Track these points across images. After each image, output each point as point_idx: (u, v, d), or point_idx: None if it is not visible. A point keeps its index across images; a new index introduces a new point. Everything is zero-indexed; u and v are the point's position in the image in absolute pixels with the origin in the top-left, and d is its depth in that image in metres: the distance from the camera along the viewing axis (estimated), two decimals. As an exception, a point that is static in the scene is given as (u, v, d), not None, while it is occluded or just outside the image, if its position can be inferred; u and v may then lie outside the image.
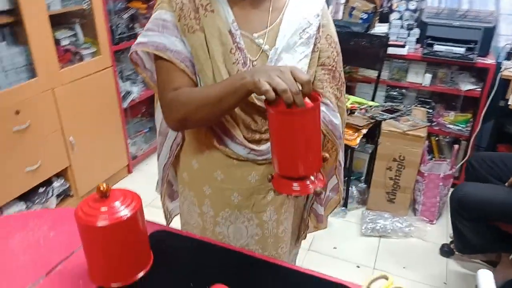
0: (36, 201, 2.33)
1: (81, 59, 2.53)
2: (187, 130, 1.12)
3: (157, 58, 0.98)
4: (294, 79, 0.77)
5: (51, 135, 2.35)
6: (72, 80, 2.41)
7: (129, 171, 3.12)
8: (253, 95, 0.97)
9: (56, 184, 2.47)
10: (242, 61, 0.97)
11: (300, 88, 0.77)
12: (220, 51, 0.96)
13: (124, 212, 0.81)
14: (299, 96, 0.75)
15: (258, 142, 1.06)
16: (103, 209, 0.80)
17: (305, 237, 1.44)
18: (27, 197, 2.31)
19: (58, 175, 2.51)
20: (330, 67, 1.08)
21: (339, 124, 1.12)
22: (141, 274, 0.88)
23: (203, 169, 1.11)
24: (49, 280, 0.88)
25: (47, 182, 2.42)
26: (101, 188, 0.81)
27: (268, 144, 1.07)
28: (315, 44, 1.04)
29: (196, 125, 1.03)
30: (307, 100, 0.79)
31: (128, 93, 2.98)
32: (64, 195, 2.55)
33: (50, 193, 2.42)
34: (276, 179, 0.89)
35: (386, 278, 0.87)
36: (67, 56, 2.46)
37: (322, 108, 1.08)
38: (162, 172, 1.22)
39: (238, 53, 0.97)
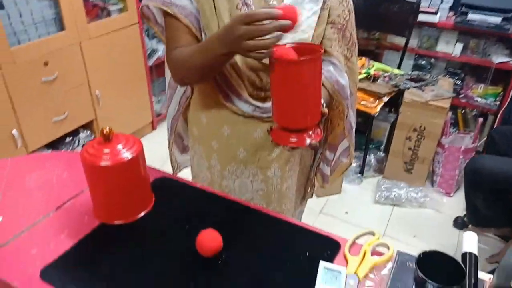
0: (63, 150, 2.45)
1: (108, 14, 2.57)
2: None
3: (165, 14, 1.00)
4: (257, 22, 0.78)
5: (78, 88, 2.43)
6: (99, 35, 2.46)
7: (153, 128, 3.21)
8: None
9: (82, 135, 2.59)
10: None
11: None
12: (227, 7, 0.97)
13: (126, 154, 0.86)
14: (273, 24, 0.77)
15: (264, 99, 1.08)
16: (106, 150, 0.86)
17: (312, 196, 1.47)
18: (54, 146, 2.43)
19: (85, 127, 2.62)
20: (340, 26, 1.07)
21: (346, 84, 1.12)
22: (141, 214, 0.94)
23: (211, 124, 1.15)
24: (58, 214, 0.95)
25: (74, 133, 2.54)
26: (104, 132, 0.86)
27: None
28: (324, 1, 1.03)
29: (197, 83, 1.07)
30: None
31: (154, 51, 3.02)
32: (89, 147, 2.67)
33: (77, 143, 2.54)
34: (275, 130, 0.91)
35: (373, 234, 0.90)
36: (95, 10, 2.50)
37: (329, 67, 1.08)
38: (171, 123, 1.26)
39: (245, 9, 0.97)
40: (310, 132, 0.89)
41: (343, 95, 1.12)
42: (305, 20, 1.01)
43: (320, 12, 1.03)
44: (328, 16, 1.05)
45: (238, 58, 1.00)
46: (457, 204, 2.51)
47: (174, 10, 0.97)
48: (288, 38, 0.98)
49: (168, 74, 1.21)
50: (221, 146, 1.16)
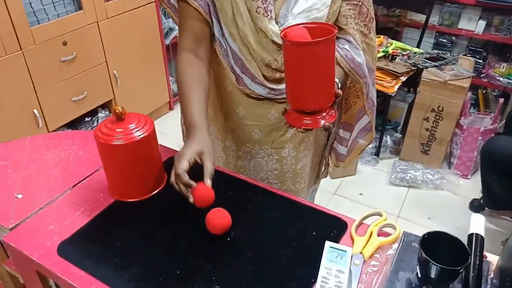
0: (83, 130, 2.51)
1: (125, -7, 2.58)
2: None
3: None
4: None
5: (96, 68, 2.47)
6: (116, 14, 2.48)
7: (170, 108, 3.24)
8: (271, 33, 0.98)
9: (101, 114, 2.64)
10: None
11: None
12: None
13: (138, 133, 0.89)
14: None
15: (279, 81, 1.08)
16: (119, 129, 0.88)
17: (326, 175, 1.48)
18: (74, 125, 2.49)
19: (103, 107, 2.66)
20: (356, 2, 1.04)
21: (362, 62, 1.10)
22: (154, 192, 0.97)
23: (226, 105, 1.16)
24: (74, 192, 0.99)
25: (93, 112, 2.59)
26: (117, 111, 0.88)
27: None
28: None
29: None
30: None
31: (171, 29, 3.02)
32: (108, 126, 2.72)
33: (96, 122, 2.59)
34: (289, 112, 0.92)
35: (380, 215, 0.91)
36: (112, -10, 2.51)
37: (345, 46, 1.07)
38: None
39: None
40: (324, 114, 0.89)
41: (359, 73, 1.11)
42: None
43: None
44: None
45: (252, 40, 1.00)
46: (474, 187, 2.47)
47: None
48: (302, 17, 0.98)
49: None
50: (235, 127, 1.17)
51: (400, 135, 2.73)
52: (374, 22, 1.12)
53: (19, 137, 1.18)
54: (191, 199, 0.84)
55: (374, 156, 2.65)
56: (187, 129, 0.94)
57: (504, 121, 2.61)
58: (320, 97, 0.86)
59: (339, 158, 1.40)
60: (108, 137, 0.88)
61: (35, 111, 2.17)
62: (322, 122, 0.88)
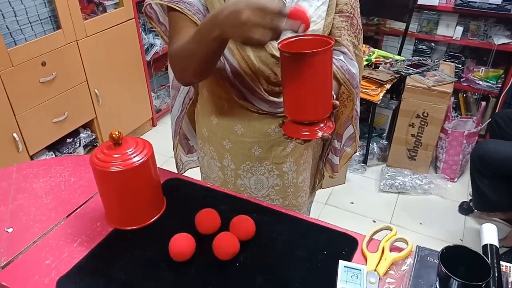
0: (64, 151, 2.43)
1: (104, 10, 2.53)
2: (197, 83, 1.12)
3: (170, 9, 0.96)
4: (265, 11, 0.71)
5: (77, 87, 2.40)
6: (95, 32, 2.42)
7: (153, 124, 3.18)
8: (271, 46, 0.96)
9: (83, 135, 2.56)
10: None
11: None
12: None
13: (136, 158, 0.85)
14: (288, 24, 0.73)
15: (278, 94, 1.06)
16: (116, 155, 0.84)
17: (321, 187, 1.46)
18: (55, 147, 2.41)
19: (85, 127, 2.59)
20: (348, 14, 1.05)
21: (356, 72, 1.11)
22: (154, 218, 0.93)
23: (223, 124, 1.12)
24: (69, 222, 0.94)
25: (75, 133, 2.51)
26: (114, 135, 0.84)
27: None
28: None
29: (196, 78, 0.99)
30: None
31: (152, 45, 2.99)
32: (91, 146, 2.65)
33: (78, 144, 2.52)
34: (287, 124, 0.91)
35: (390, 229, 0.89)
36: (90, 7, 2.46)
37: (340, 57, 1.07)
38: (175, 125, 1.24)
39: None
40: (322, 125, 0.88)
41: (353, 83, 1.11)
42: (315, 10, 0.99)
43: (329, 1, 1.01)
44: (336, 5, 1.03)
45: (251, 54, 0.98)
46: (461, 190, 2.51)
47: (182, 7, 0.93)
48: None
49: (171, 73, 1.18)
50: (234, 145, 1.14)
51: (386, 142, 2.75)
52: (362, 33, 1.12)
53: (-1, 163, 1.12)
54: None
55: (362, 164, 2.66)
56: (206, 22, 0.81)
57: (487, 123, 2.67)
58: (318, 108, 0.85)
59: (335, 168, 1.39)
60: (105, 163, 0.84)
61: (15, 134, 2.09)
62: (320, 133, 0.87)
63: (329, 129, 0.88)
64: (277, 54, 0.97)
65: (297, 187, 1.20)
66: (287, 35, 0.90)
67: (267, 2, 0.72)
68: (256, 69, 1.00)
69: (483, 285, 0.68)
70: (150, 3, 1.00)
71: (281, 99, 1.05)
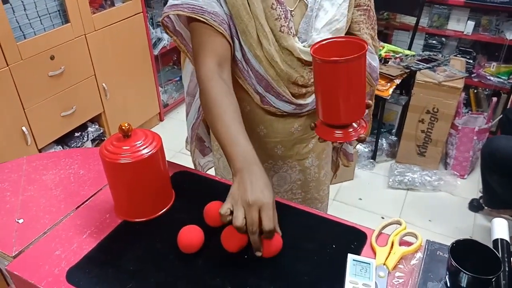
0: (72, 145, 2.44)
1: (112, 4, 2.53)
2: None
3: (192, 20, 0.91)
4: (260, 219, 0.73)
5: (85, 81, 2.41)
6: (103, 26, 2.43)
7: (161, 119, 3.19)
8: (298, 51, 0.96)
9: (91, 129, 2.57)
10: (283, 15, 0.93)
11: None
12: (262, 8, 0.92)
13: (145, 150, 0.85)
14: (253, 236, 0.74)
15: (304, 95, 1.06)
16: (126, 147, 0.84)
17: (336, 177, 1.47)
18: (63, 141, 2.42)
19: (93, 121, 2.60)
20: (365, 7, 1.05)
21: (377, 66, 1.12)
22: (163, 211, 0.93)
23: (245, 125, 1.10)
24: (79, 213, 0.94)
25: (83, 127, 2.53)
26: (123, 127, 0.84)
27: (313, 96, 1.06)
28: None
29: None
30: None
31: (159, 40, 2.99)
32: (98, 140, 2.66)
33: (86, 138, 2.53)
34: (319, 127, 0.91)
35: (400, 224, 0.88)
36: (98, 1, 2.47)
37: None
38: (191, 131, 1.22)
39: (279, 7, 0.93)
40: (356, 125, 0.89)
41: (374, 76, 1.13)
42: (337, 9, 0.98)
43: None
44: None
45: (278, 60, 0.97)
46: (471, 187, 2.48)
47: (207, 17, 0.89)
48: (326, 31, 0.97)
49: (186, 79, 1.17)
50: (256, 146, 1.12)
51: (395, 138, 2.73)
52: (376, 23, 1.12)
53: (8, 156, 1.13)
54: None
55: (371, 160, 2.64)
56: (240, 163, 0.81)
57: (498, 119, 2.63)
58: (353, 111, 0.85)
59: (349, 158, 1.41)
60: (115, 155, 0.83)
61: (24, 128, 2.10)
62: (354, 134, 0.88)
63: (363, 128, 0.89)
64: (304, 57, 0.98)
65: (319, 181, 1.21)
66: (316, 39, 0.90)
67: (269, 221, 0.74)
68: (284, 74, 1.00)
69: (493, 279, 0.67)
70: (170, 13, 0.94)
71: (307, 101, 1.06)
